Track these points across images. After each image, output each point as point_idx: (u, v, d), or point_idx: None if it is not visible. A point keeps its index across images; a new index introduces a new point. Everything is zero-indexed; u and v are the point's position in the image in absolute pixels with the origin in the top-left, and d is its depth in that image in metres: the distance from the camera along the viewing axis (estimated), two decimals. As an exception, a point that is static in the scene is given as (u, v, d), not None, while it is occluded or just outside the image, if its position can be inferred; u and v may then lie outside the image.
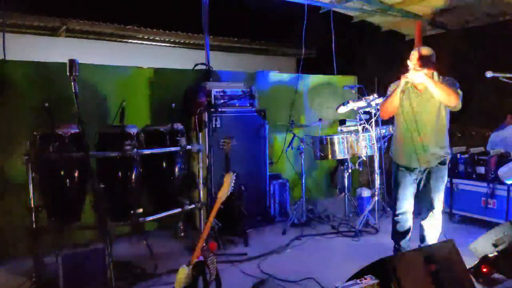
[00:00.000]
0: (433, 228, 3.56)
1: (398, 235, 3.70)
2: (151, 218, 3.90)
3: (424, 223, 3.60)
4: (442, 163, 3.48)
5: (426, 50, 3.36)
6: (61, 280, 3.08)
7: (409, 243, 3.72)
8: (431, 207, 3.52)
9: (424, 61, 3.30)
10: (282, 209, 5.24)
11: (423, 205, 3.62)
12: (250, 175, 4.79)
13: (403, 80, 3.30)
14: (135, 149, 3.68)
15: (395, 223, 3.70)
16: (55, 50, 7.78)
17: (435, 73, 3.39)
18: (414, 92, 3.43)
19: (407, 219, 3.65)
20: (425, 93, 3.39)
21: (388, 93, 3.52)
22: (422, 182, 3.54)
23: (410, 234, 3.71)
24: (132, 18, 8.79)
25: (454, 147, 5.20)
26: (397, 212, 3.66)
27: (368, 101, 4.62)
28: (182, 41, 9.58)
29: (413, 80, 3.29)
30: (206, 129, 4.52)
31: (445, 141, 3.47)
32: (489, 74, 3.26)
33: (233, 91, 4.80)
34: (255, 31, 10.09)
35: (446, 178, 3.53)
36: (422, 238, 3.65)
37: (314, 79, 6.39)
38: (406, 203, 3.60)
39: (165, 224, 4.72)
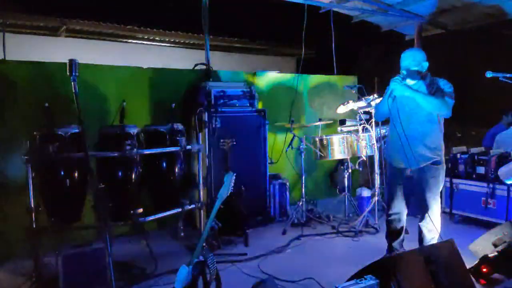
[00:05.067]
0: (430, 230, 3.43)
1: (391, 235, 3.69)
2: (151, 218, 3.91)
3: (421, 224, 3.49)
4: (436, 163, 3.37)
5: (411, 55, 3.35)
6: (61, 280, 3.08)
7: (401, 244, 3.70)
8: (426, 208, 3.41)
9: (409, 73, 3.29)
10: (282, 209, 5.24)
11: (418, 206, 3.52)
12: (250, 175, 4.78)
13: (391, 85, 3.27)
14: (135, 149, 3.69)
15: (388, 223, 3.70)
16: (55, 50, 7.79)
17: (428, 74, 3.39)
18: None
19: (399, 220, 3.62)
20: None
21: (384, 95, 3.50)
22: (416, 182, 3.44)
23: (403, 235, 3.69)
24: (132, 18, 8.79)
25: (454, 147, 5.20)
26: (389, 212, 3.65)
27: (368, 101, 4.62)
28: (182, 41, 9.58)
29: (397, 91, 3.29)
30: (206, 129, 4.51)
31: (435, 143, 3.37)
32: (489, 74, 3.27)
33: (233, 91, 4.80)
34: (255, 31, 10.08)
35: (441, 178, 3.42)
36: (420, 240, 3.55)
37: (314, 79, 6.39)
38: (398, 204, 3.58)
39: (165, 224, 4.73)
